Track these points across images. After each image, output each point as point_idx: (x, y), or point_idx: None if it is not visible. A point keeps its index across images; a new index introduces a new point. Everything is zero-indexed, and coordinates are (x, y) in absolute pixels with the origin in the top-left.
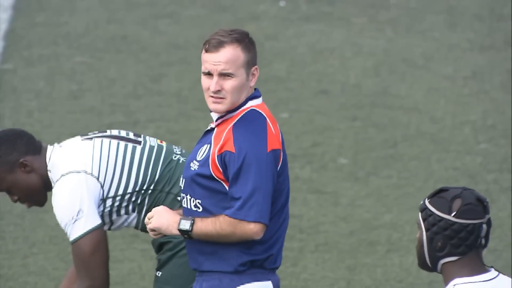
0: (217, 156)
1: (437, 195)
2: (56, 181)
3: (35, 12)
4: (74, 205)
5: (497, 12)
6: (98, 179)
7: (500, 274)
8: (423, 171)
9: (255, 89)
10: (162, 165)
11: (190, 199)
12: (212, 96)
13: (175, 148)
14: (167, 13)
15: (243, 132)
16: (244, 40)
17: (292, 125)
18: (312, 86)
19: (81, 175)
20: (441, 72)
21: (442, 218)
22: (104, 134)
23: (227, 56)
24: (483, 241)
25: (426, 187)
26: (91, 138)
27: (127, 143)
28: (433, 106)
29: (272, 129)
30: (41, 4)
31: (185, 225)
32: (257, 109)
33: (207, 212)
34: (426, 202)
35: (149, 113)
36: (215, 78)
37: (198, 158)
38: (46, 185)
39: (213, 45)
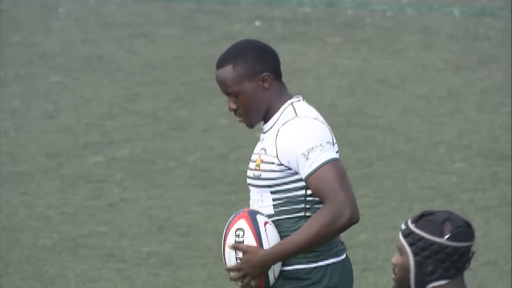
0: None
1: (423, 219)
2: (293, 118)
3: (10, 31)
4: (324, 137)
5: (471, 32)
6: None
7: None
8: (398, 190)
9: None
10: None
11: None
12: None
13: None
14: (142, 33)
15: None
16: None
17: None
18: None
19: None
20: (416, 92)
21: (435, 242)
22: None
23: None
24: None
25: (401, 207)
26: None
27: None
28: (408, 126)
29: None
30: (16, 24)
31: None
32: None
33: None
34: (412, 226)
35: (124, 132)
36: None
37: None
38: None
39: None
